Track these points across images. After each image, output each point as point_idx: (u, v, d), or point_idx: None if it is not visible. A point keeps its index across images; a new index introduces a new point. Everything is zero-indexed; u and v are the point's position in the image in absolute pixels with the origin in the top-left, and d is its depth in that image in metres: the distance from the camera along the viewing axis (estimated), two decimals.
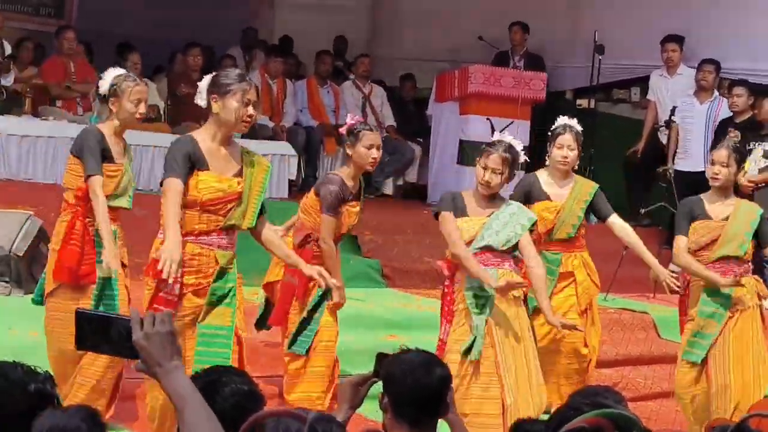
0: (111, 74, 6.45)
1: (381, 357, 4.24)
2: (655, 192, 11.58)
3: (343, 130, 7.04)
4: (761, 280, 7.30)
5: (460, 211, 6.64)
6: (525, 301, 6.67)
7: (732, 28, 11.88)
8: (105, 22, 14.03)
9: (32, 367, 3.14)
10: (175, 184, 5.64)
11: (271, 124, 12.39)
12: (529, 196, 7.42)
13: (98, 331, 2.77)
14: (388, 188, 12.76)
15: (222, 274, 5.80)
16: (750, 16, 11.78)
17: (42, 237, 7.97)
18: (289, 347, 6.70)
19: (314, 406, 5.97)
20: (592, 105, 12.77)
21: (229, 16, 15.03)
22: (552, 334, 7.10)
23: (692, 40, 12.08)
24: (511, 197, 7.13)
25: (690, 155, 11.43)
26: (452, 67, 12.81)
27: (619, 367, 8.40)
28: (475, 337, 6.42)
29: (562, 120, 7.80)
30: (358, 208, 6.98)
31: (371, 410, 4.67)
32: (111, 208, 6.32)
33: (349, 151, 6.95)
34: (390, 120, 13.17)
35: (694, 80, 11.67)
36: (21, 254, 7.77)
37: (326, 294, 6.64)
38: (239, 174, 5.82)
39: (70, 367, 6.24)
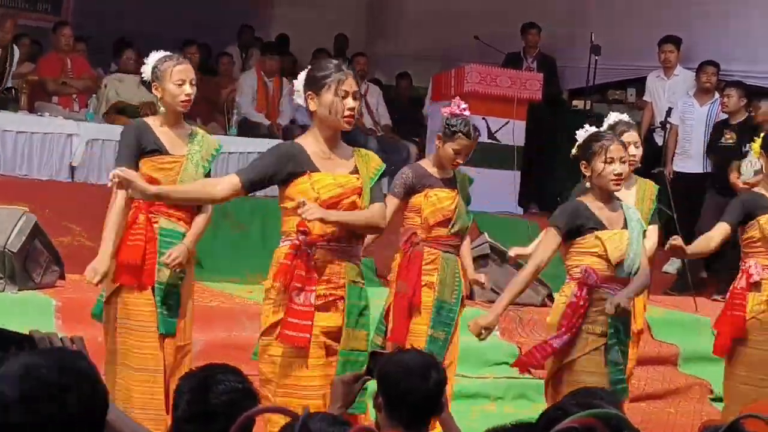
0: (153, 58, 5.97)
1: (374, 356, 4.24)
2: None
3: (445, 111, 6.71)
4: None
5: (593, 224, 5.69)
6: None
7: (729, 29, 11.92)
8: (102, 18, 14.02)
9: None
10: (231, 178, 5.08)
11: (267, 123, 12.39)
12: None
13: None
14: (384, 187, 12.77)
15: (354, 289, 5.13)
16: (746, 17, 11.80)
17: (37, 233, 7.96)
18: None
19: None
20: (588, 106, 12.79)
21: (226, 13, 15.04)
22: None
23: (689, 41, 12.10)
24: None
25: (689, 156, 11.46)
26: (449, 66, 12.81)
27: None
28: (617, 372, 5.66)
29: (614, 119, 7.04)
30: (453, 194, 6.59)
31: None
32: (177, 206, 5.79)
33: (437, 143, 6.67)
34: (386, 119, 13.18)
35: (696, 82, 11.69)
36: (15, 250, 7.75)
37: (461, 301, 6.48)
38: (355, 171, 5.19)
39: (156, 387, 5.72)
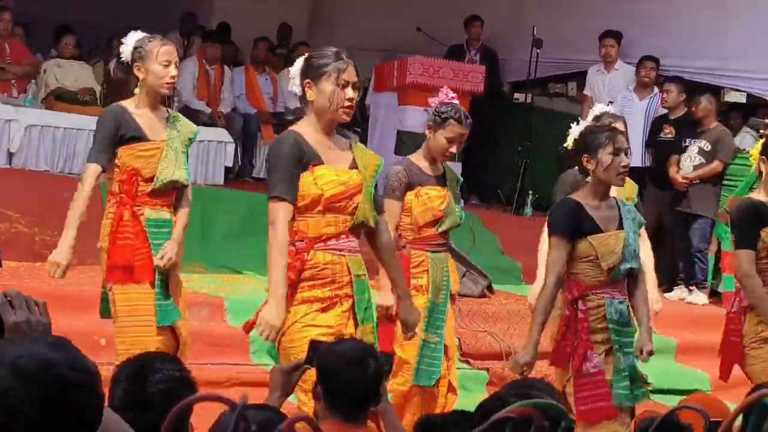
0: (133, 37, 5.75)
1: (314, 345, 4.23)
2: None
3: (432, 102, 6.33)
4: None
5: (588, 227, 5.42)
6: None
7: (670, 24, 12.01)
8: (43, 4, 13.87)
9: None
10: (284, 209, 4.79)
11: (208, 110, 12.32)
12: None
13: None
14: None
15: (358, 284, 4.95)
16: (687, 13, 11.90)
17: None
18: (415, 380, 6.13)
19: None
20: (529, 99, 12.85)
21: (168, 1, 14.93)
22: None
23: (630, 36, 12.18)
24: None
25: None
26: (391, 57, 12.81)
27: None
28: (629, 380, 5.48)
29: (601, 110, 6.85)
30: (443, 193, 6.26)
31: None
32: (160, 193, 5.66)
33: (428, 133, 6.29)
34: None
35: (636, 76, 11.79)
36: None
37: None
38: (354, 166, 4.99)
39: None
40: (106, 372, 5.56)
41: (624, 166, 5.43)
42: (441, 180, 6.35)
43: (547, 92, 13.59)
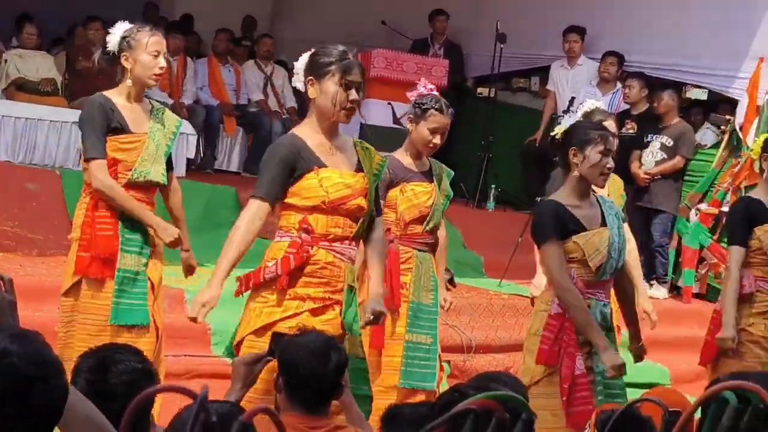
0: (120, 28, 5.56)
1: (276, 336, 4.22)
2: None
3: (411, 95, 6.22)
4: None
5: (572, 226, 5.31)
6: None
7: (633, 20, 12.06)
8: None
9: None
10: (257, 207, 4.79)
11: (170, 102, 12.26)
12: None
13: None
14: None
15: (349, 295, 4.88)
16: (649, 9, 11.95)
17: None
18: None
19: None
20: (493, 94, 12.87)
21: None
22: None
23: (593, 31, 12.24)
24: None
25: None
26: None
27: (511, 352, 8.47)
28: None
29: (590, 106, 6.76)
30: (430, 188, 6.15)
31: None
32: (137, 187, 5.53)
33: (409, 126, 6.19)
34: (291, 101, 13.12)
35: (597, 72, 11.84)
36: None
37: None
38: (359, 168, 4.92)
39: None
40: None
41: (608, 168, 5.37)
42: (427, 175, 6.24)
43: (510, 87, 13.62)
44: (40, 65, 11.37)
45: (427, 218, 6.14)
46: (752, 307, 6.26)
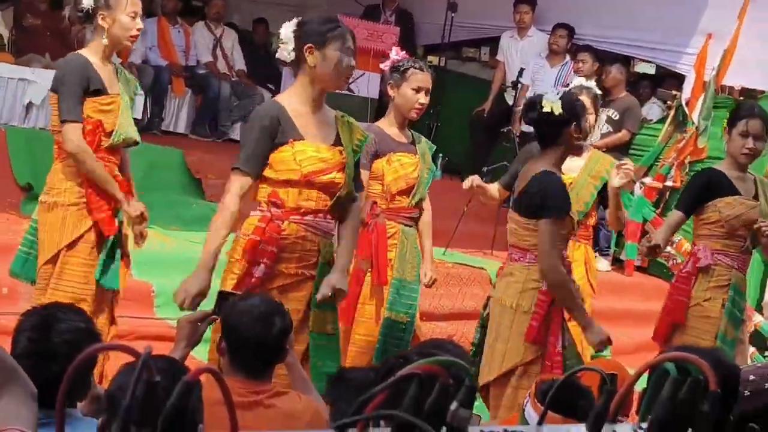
0: None
1: (223, 296, 4.20)
2: (499, 151, 11.74)
3: (385, 66, 6.11)
4: None
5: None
6: None
7: None
8: None
9: None
10: (240, 182, 4.78)
11: (118, 61, 12.14)
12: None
13: None
14: (235, 133, 12.63)
15: (322, 269, 4.83)
16: None
17: None
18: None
19: None
20: (443, 63, 12.88)
21: None
22: None
23: (544, 3, 12.26)
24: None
25: None
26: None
27: (454, 320, 8.52)
28: None
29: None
30: (416, 159, 6.05)
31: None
32: (114, 149, 5.46)
33: (391, 93, 6.03)
34: (240, 64, 13.05)
35: (547, 44, 11.87)
36: None
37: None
38: (338, 143, 4.88)
39: None
40: (6, 321, 5.48)
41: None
42: (410, 147, 6.15)
43: (460, 56, 13.64)
44: None
45: (413, 190, 6.08)
46: (710, 281, 6.21)
